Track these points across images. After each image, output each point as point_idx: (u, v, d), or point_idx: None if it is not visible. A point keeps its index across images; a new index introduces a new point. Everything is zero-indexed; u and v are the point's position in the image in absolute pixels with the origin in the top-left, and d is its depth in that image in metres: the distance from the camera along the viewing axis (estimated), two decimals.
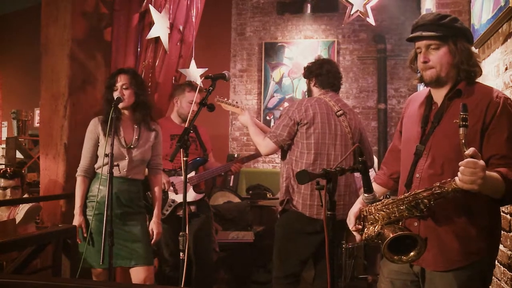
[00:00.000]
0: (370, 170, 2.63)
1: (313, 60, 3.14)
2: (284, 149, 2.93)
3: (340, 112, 2.94)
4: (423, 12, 4.82)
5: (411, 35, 1.86)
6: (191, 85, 3.54)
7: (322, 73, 3.02)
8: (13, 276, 1.95)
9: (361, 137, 3.04)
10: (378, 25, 6.59)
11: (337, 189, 1.74)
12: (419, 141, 1.86)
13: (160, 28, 3.62)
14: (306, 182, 1.68)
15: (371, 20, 3.68)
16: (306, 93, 3.20)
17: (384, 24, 6.67)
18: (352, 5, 3.67)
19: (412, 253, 1.73)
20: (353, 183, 3.03)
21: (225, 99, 3.24)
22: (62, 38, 3.36)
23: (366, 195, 1.86)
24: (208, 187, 5.44)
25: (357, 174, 3.31)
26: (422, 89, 2.03)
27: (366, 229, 1.86)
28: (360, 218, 1.92)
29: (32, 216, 3.40)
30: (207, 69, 3.93)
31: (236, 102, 3.26)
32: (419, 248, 1.72)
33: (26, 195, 3.56)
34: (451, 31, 1.79)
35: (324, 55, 6.75)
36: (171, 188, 3.37)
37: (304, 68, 3.14)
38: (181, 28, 3.82)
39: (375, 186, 2.13)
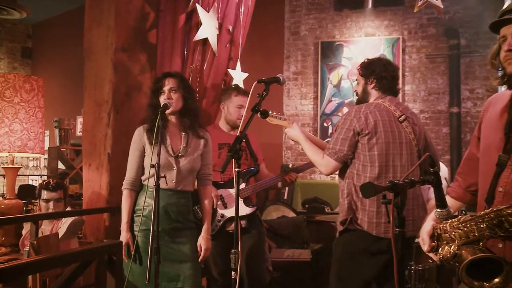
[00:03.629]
0: None
1: (372, 58, 3.04)
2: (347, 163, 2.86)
3: (403, 117, 2.85)
4: (507, 0, 4.61)
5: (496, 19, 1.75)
6: (238, 89, 3.56)
7: (386, 77, 2.91)
8: None
9: (426, 142, 2.96)
10: (450, 18, 6.42)
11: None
12: (502, 150, 1.76)
13: (208, 28, 3.65)
14: (371, 195, 1.64)
15: (438, 2, 3.50)
16: (356, 93, 3.07)
17: (458, 16, 6.46)
18: None
19: (496, 280, 1.62)
20: (421, 195, 2.93)
21: (270, 112, 3.07)
22: (106, 42, 3.46)
23: (439, 210, 1.80)
24: (260, 200, 5.45)
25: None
26: (505, 90, 1.94)
27: (440, 249, 1.79)
28: (434, 236, 1.86)
29: (75, 230, 3.51)
30: (247, 74, 3.93)
31: (283, 115, 3.18)
32: (506, 275, 1.61)
33: (68, 208, 3.68)
34: None
35: (388, 54, 6.65)
36: (220, 202, 3.39)
37: (363, 65, 3.00)
38: (230, 28, 3.84)
39: (448, 200, 2.05)
